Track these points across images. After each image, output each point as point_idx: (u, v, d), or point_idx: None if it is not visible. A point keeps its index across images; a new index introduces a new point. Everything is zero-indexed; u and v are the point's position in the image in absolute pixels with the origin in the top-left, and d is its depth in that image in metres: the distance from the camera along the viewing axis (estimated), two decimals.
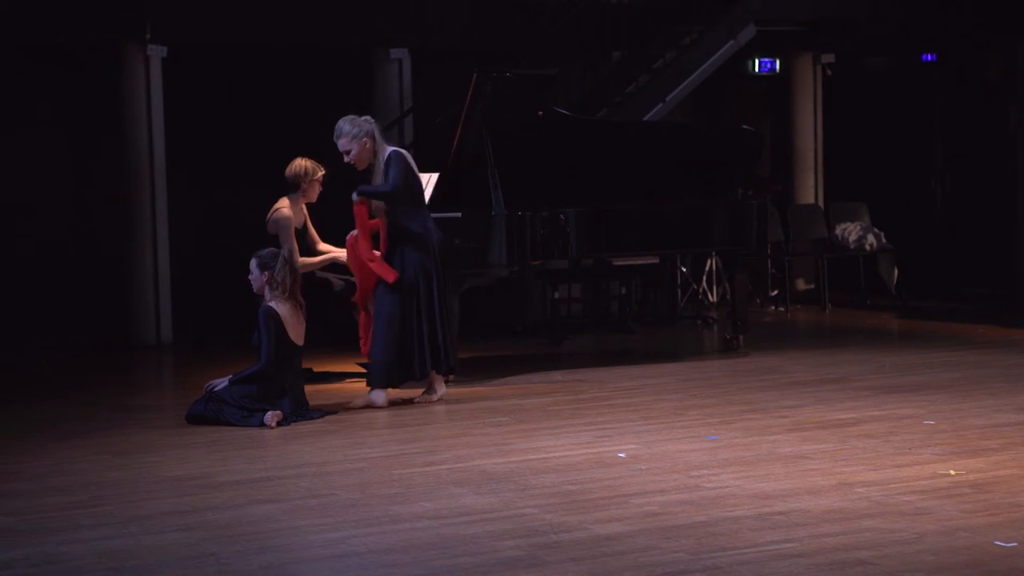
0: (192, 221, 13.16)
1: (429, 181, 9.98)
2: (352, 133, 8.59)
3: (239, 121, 13.70)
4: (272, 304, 8.28)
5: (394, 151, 8.64)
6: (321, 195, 9.46)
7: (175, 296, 12.27)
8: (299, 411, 8.28)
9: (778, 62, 15.13)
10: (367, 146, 8.60)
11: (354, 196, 8.54)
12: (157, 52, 12.04)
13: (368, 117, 8.74)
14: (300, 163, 9.49)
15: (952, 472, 6.49)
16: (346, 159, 8.65)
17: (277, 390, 8.23)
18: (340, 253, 9.22)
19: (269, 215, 9.43)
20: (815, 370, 9.86)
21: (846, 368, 9.93)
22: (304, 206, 9.46)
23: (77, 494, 6.48)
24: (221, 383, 8.27)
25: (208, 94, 13.58)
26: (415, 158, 12.67)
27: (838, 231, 14.00)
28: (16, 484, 6.72)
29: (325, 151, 10.01)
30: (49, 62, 12.92)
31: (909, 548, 5.24)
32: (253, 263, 8.38)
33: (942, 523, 5.58)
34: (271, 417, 8.07)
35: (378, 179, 8.57)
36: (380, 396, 8.59)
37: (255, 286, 8.38)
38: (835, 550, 5.23)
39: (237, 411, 8.12)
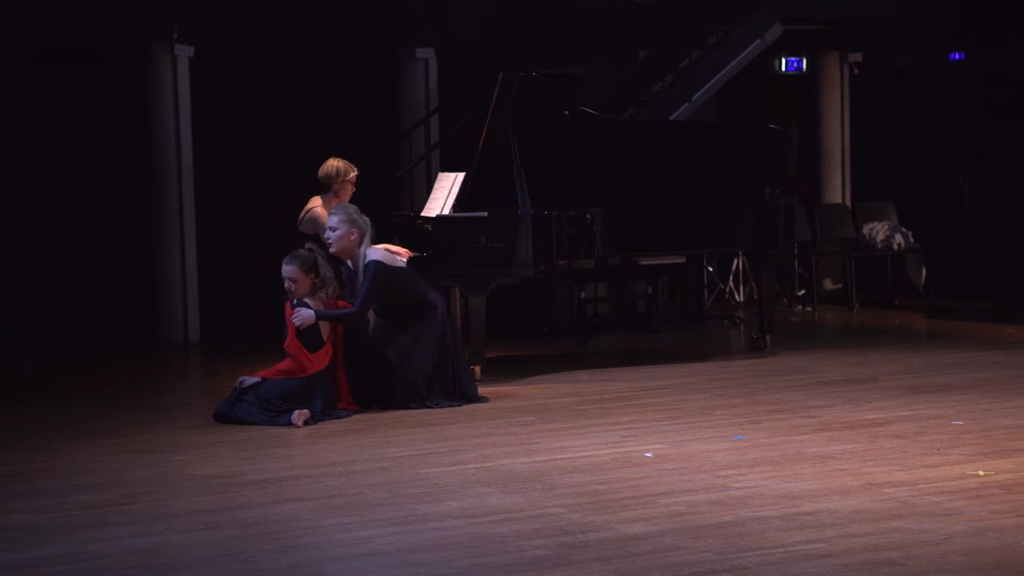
0: (219, 220, 13.20)
1: (455, 181, 9.99)
2: (351, 218, 8.52)
3: (266, 121, 13.73)
4: (308, 300, 8.30)
5: (372, 261, 8.46)
6: (353, 196, 9.48)
7: (202, 295, 12.32)
8: (328, 410, 8.30)
9: (805, 61, 15.08)
10: (353, 237, 8.52)
11: (303, 317, 8.25)
12: (184, 52, 12.08)
13: (367, 219, 8.63)
14: (333, 163, 9.52)
15: (981, 473, 6.46)
16: (327, 234, 8.60)
17: (310, 390, 8.24)
18: (393, 249, 9.29)
19: (303, 214, 9.47)
20: (843, 370, 9.83)
21: (874, 368, 9.90)
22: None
23: (106, 492, 6.51)
24: (252, 380, 8.28)
25: (235, 94, 13.61)
26: (441, 158, 12.81)
27: (865, 230, 13.95)
28: (45, 482, 6.76)
29: (352, 151, 10.04)
30: (78, 62, 12.98)
31: (938, 549, 5.22)
32: (292, 268, 8.32)
33: (971, 524, 5.55)
34: (298, 416, 8.09)
35: (358, 277, 8.48)
36: None
37: (297, 291, 8.34)
38: (863, 550, 5.22)
39: (264, 413, 8.14)
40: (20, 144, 13.13)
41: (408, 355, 8.51)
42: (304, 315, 8.25)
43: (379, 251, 8.53)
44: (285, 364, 8.30)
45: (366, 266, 8.48)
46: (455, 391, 8.64)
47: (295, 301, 8.30)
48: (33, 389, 9.94)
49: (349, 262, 8.64)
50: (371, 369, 8.53)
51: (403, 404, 8.49)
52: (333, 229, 8.54)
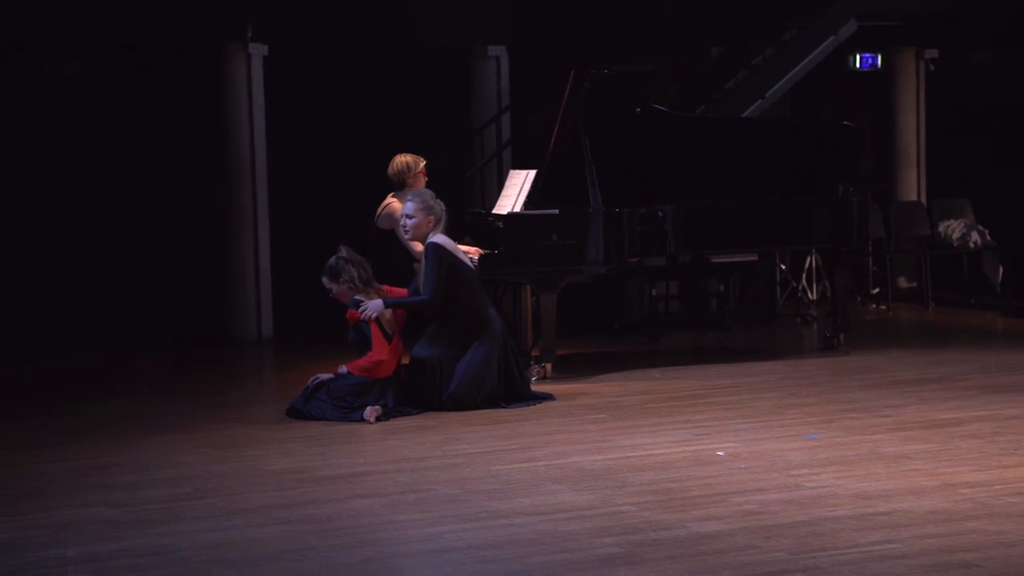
0: (293, 217, 13.29)
1: (527, 178, 9.99)
2: (424, 205, 8.46)
3: (339, 119, 13.81)
4: (361, 297, 8.33)
5: (431, 244, 8.38)
6: (428, 186, 9.50)
7: (276, 291, 12.41)
8: (400, 407, 8.33)
9: (880, 58, 14.93)
10: (429, 223, 8.46)
11: (371, 311, 8.24)
12: (258, 51, 12.17)
13: (443, 205, 8.58)
14: (401, 159, 9.57)
15: None
16: (404, 222, 8.57)
17: (382, 386, 8.27)
18: (465, 249, 9.32)
19: (379, 211, 9.52)
20: (918, 369, 9.72)
21: (950, 367, 9.78)
22: None
23: (180, 487, 6.57)
24: (326, 377, 8.32)
25: (308, 93, 13.70)
26: (513, 156, 12.81)
27: (941, 228, 13.79)
28: (120, 476, 6.83)
29: (424, 148, 10.07)
30: (155, 62, 13.11)
31: (1015, 550, 5.15)
32: (324, 280, 8.40)
33: None
34: (370, 412, 8.13)
35: (421, 263, 8.46)
36: None
37: (342, 297, 8.40)
38: (939, 551, 5.16)
39: (337, 409, 8.18)
40: (93, 142, 13.29)
41: (463, 383, 8.39)
42: (372, 306, 8.28)
43: (441, 236, 8.48)
44: (365, 360, 8.31)
45: (426, 247, 8.39)
46: (519, 397, 8.58)
47: (351, 302, 8.33)
48: (108, 384, 10.05)
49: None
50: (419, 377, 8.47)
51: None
52: (410, 217, 8.51)
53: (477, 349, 8.38)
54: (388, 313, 8.34)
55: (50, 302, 12.94)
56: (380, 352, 8.26)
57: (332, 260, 8.44)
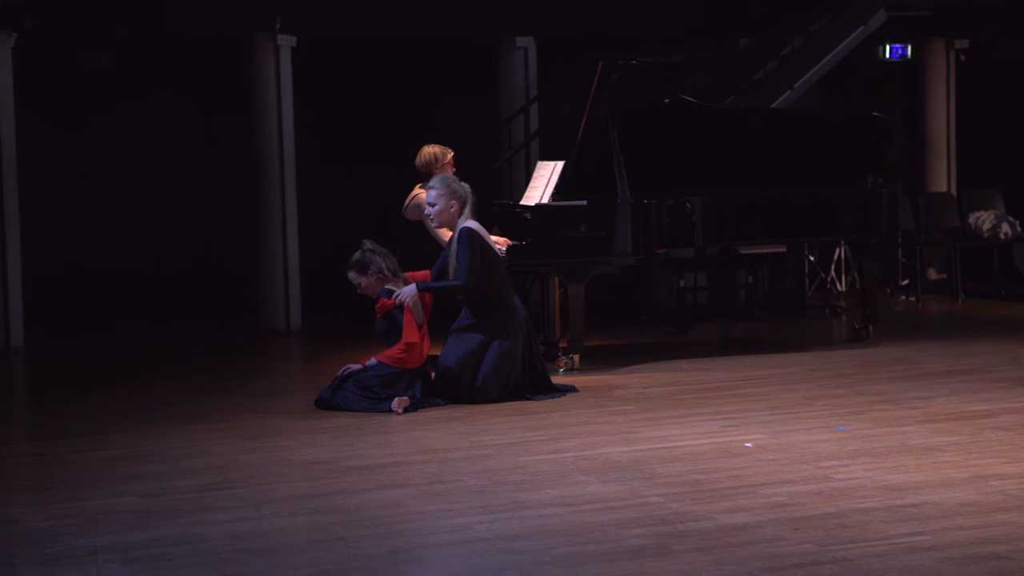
0: (321, 208, 13.31)
1: (555, 169, 9.99)
2: (446, 189, 8.42)
3: (366, 110, 13.83)
4: (392, 287, 8.34)
5: (464, 229, 8.34)
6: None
7: (304, 282, 12.44)
8: (428, 398, 8.34)
9: (910, 48, 14.86)
10: (452, 209, 8.42)
11: (405, 295, 8.26)
12: (287, 42, 12.20)
13: (467, 186, 8.55)
14: (429, 150, 9.56)
15: None
16: (428, 210, 8.56)
17: (410, 377, 8.28)
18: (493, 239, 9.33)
19: (408, 201, 9.52)
20: (947, 361, 9.68)
21: (980, 359, 9.73)
22: None
23: (210, 477, 6.60)
24: (355, 368, 8.33)
25: (337, 84, 13.72)
26: (541, 147, 12.81)
27: (971, 219, 13.72)
28: (151, 466, 6.87)
29: (452, 140, 10.07)
30: (184, 53, 13.16)
31: None
32: (352, 275, 8.39)
33: None
34: (398, 403, 8.14)
35: (451, 249, 8.38)
36: None
37: (371, 290, 8.41)
38: (969, 544, 5.14)
39: (364, 400, 8.20)
40: (123, 133, 13.34)
41: (490, 374, 8.37)
42: (406, 291, 8.29)
43: (475, 222, 8.46)
44: (397, 348, 8.31)
45: (459, 233, 8.35)
46: (544, 390, 8.57)
47: (382, 291, 8.34)
48: (137, 374, 10.10)
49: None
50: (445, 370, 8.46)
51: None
52: (432, 204, 8.49)
53: (501, 342, 8.37)
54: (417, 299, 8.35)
55: (76, 292, 13.00)
56: (412, 335, 8.26)
57: (358, 254, 8.44)
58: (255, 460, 6.98)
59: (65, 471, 6.82)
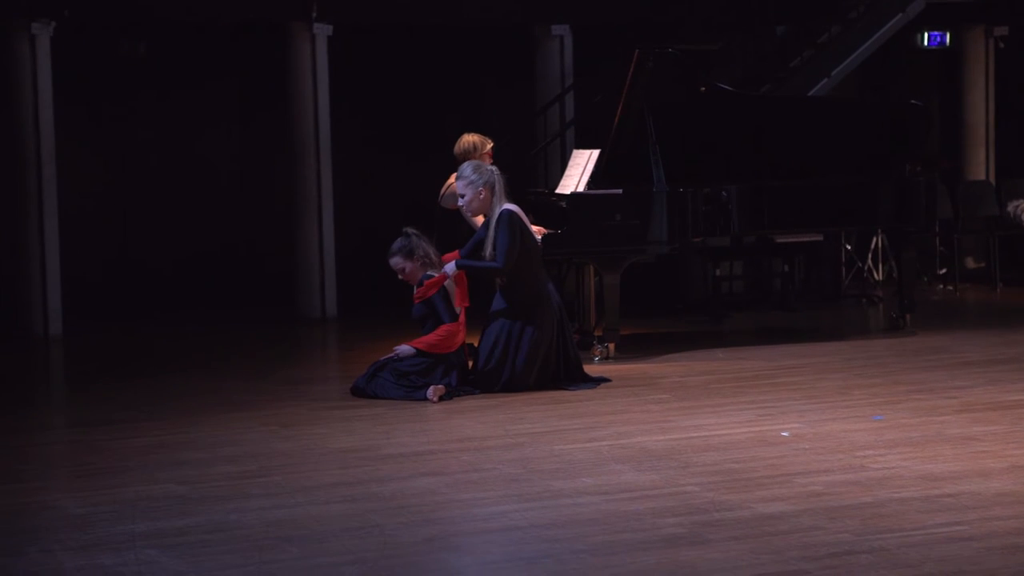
0: (357, 196, 13.34)
1: (590, 158, 9.97)
2: (471, 179, 8.39)
3: (402, 98, 13.84)
4: (431, 272, 8.34)
5: (505, 211, 8.32)
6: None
7: (340, 270, 12.47)
8: (463, 386, 8.35)
9: (948, 35, 14.75)
10: (482, 196, 8.39)
11: (449, 270, 8.33)
12: (323, 31, 12.22)
13: (494, 168, 8.54)
14: (468, 139, 9.54)
15: None
16: (459, 203, 8.57)
17: (446, 365, 8.29)
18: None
19: (444, 190, 9.52)
20: (985, 350, 9.62)
21: (1018, 348, 9.66)
22: None
23: (246, 464, 6.64)
24: (406, 350, 8.31)
25: (372, 72, 13.73)
26: (576, 135, 12.79)
27: (1010, 208, 13.59)
28: (188, 453, 6.91)
29: (487, 128, 10.07)
30: (221, 41, 13.19)
31: None
32: (396, 260, 8.37)
33: None
34: (433, 392, 8.16)
35: (489, 234, 8.34)
36: None
37: (412, 276, 8.40)
38: (1007, 534, 5.11)
39: (400, 388, 8.22)
40: (161, 121, 13.40)
41: (523, 365, 8.37)
42: (448, 267, 8.30)
43: (514, 205, 8.42)
44: (434, 336, 8.32)
45: (499, 216, 8.32)
46: (577, 379, 8.56)
47: (424, 276, 8.34)
48: (174, 362, 10.15)
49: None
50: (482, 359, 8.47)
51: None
52: (462, 195, 8.49)
53: (533, 331, 8.35)
54: (453, 286, 8.36)
55: (114, 279, 13.06)
56: (450, 322, 8.26)
57: (403, 240, 8.43)
58: (291, 448, 7.01)
59: (103, 458, 6.86)
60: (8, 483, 6.38)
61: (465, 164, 8.60)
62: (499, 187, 8.40)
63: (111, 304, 12.72)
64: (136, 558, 5.13)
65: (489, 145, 9.55)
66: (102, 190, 13.21)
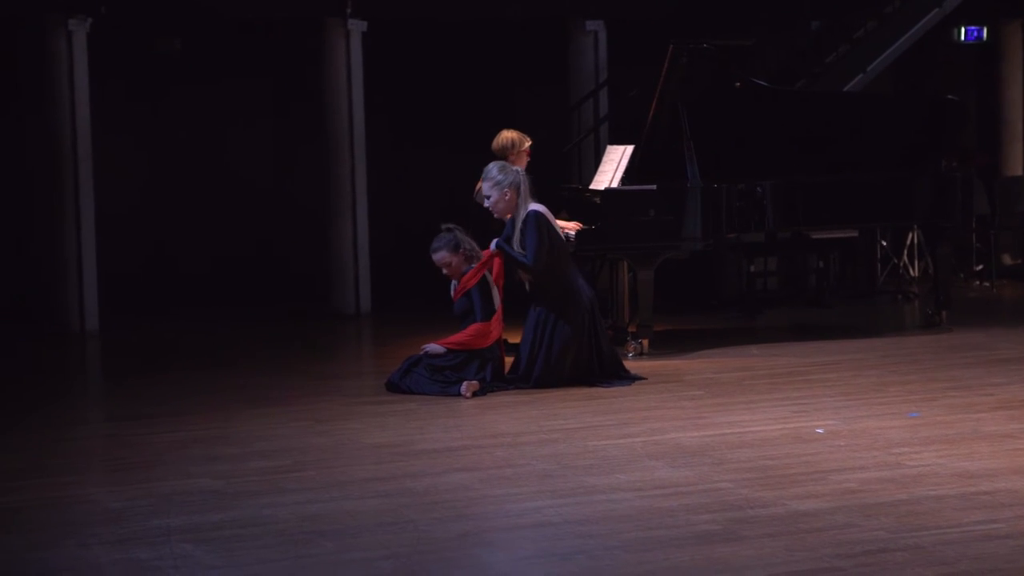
0: (390, 191, 13.36)
1: (624, 153, 9.95)
2: (496, 179, 8.40)
3: (436, 94, 13.85)
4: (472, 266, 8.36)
5: (532, 212, 8.35)
6: (528, 165, 9.48)
7: (374, 266, 12.49)
8: (496, 382, 8.35)
9: (985, 30, 14.65)
10: (507, 197, 8.39)
11: (492, 246, 8.41)
12: (357, 27, 12.24)
13: (519, 169, 8.55)
14: (507, 135, 9.51)
15: None
16: (486, 203, 8.55)
17: (481, 360, 8.29)
18: (562, 224, 9.34)
19: (478, 186, 9.51)
20: (1022, 347, 9.56)
21: None
22: None
23: (281, 459, 6.66)
24: (435, 348, 8.33)
25: (406, 68, 13.75)
26: (610, 131, 12.77)
27: None
28: (223, 448, 6.94)
29: (521, 124, 10.06)
30: (259, 37, 13.23)
31: None
32: (442, 254, 8.37)
33: None
34: (467, 387, 8.16)
35: (515, 234, 8.36)
36: None
37: (455, 271, 8.41)
38: None
39: (434, 383, 8.22)
40: (197, 117, 13.45)
41: (555, 357, 8.38)
42: (492, 246, 8.32)
43: (540, 206, 8.42)
44: (463, 335, 8.33)
45: (527, 216, 8.34)
46: (611, 376, 8.54)
47: (465, 270, 8.36)
48: (209, 357, 10.20)
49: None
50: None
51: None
52: (487, 197, 8.50)
53: (564, 326, 8.34)
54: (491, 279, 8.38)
55: (149, 276, 13.13)
56: (485, 319, 8.27)
57: (448, 235, 8.43)
58: (326, 443, 7.03)
59: (138, 453, 6.90)
60: (44, 477, 6.43)
61: (491, 165, 8.59)
62: (524, 188, 8.42)
63: (147, 299, 12.78)
64: (171, 552, 5.16)
65: (527, 143, 9.52)
66: (137, 186, 13.28)
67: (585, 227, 9.44)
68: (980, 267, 13.78)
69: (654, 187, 9.60)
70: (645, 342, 9.54)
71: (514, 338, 9.78)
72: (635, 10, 13.00)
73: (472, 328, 8.30)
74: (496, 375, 8.37)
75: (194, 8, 12.01)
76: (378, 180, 12.76)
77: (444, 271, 8.47)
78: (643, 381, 8.55)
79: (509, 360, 8.58)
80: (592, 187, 10.09)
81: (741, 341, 10.23)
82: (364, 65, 12.33)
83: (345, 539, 5.28)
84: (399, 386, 8.33)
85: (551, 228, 8.43)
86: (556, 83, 13.31)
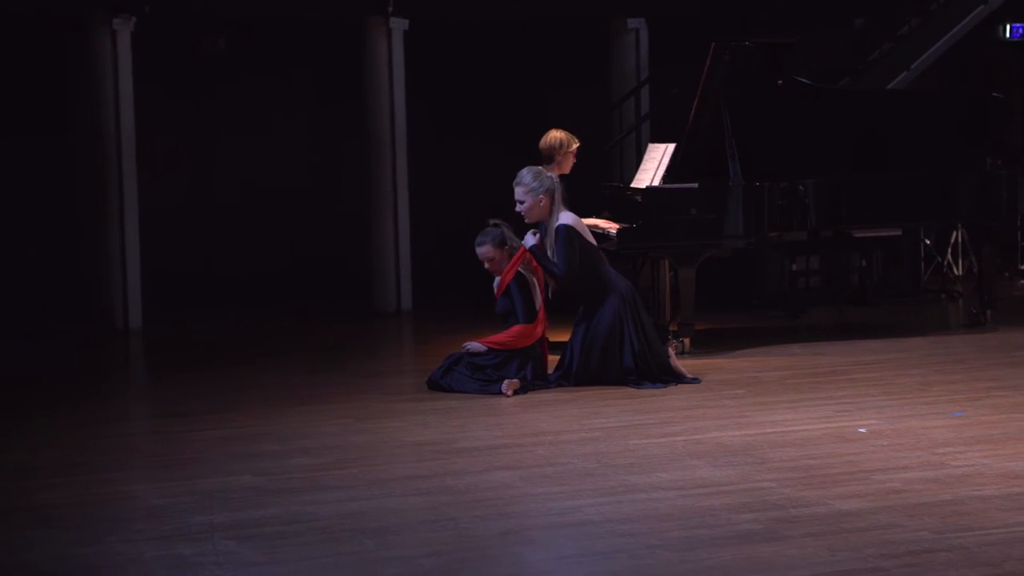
0: (431, 190, 13.38)
1: (666, 152, 9.93)
2: (531, 186, 8.38)
3: (478, 92, 13.86)
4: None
5: (562, 227, 8.32)
6: (574, 167, 9.47)
7: (415, 264, 12.51)
8: (538, 380, 8.35)
9: None
10: (542, 203, 8.37)
11: (527, 242, 8.39)
12: (399, 25, 12.26)
13: (553, 175, 8.54)
14: (555, 135, 9.49)
15: None
16: (518, 208, 8.51)
17: (522, 359, 8.29)
18: (602, 223, 9.32)
19: None
20: None
21: None
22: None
23: (323, 456, 6.68)
24: (476, 347, 8.34)
25: (449, 66, 13.76)
26: (652, 129, 12.74)
27: None
28: (265, 445, 6.96)
29: (563, 123, 10.05)
30: (302, 36, 13.28)
31: None
32: (487, 248, 8.38)
33: None
34: (507, 386, 8.16)
35: (548, 240, 8.35)
36: None
37: (497, 266, 8.41)
38: None
39: (475, 381, 8.23)
40: (240, 115, 13.51)
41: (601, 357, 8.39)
42: (526, 240, 8.33)
43: (570, 216, 8.42)
44: (505, 335, 8.32)
45: (556, 230, 8.34)
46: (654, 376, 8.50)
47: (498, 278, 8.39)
48: (250, 355, 10.23)
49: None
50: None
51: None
52: (521, 202, 8.46)
53: (601, 324, 8.33)
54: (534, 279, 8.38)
55: (191, 275, 13.20)
56: (527, 320, 8.27)
57: (495, 230, 8.44)
58: (367, 441, 7.05)
59: (181, 449, 6.94)
60: (88, 473, 6.48)
61: (524, 170, 8.53)
62: (558, 194, 8.40)
63: (189, 297, 12.85)
64: (214, 549, 5.18)
65: (575, 144, 9.48)
66: (181, 184, 13.35)
67: (626, 226, 9.42)
68: None
69: (696, 185, 9.58)
70: (687, 340, 9.52)
71: (556, 337, 9.77)
72: (677, 8, 12.96)
73: (515, 329, 8.30)
74: (537, 374, 8.37)
75: (237, 7, 12.06)
76: (419, 178, 12.78)
77: (486, 265, 8.47)
78: (695, 383, 8.44)
79: (553, 359, 8.57)
80: (633, 185, 10.06)
81: (783, 340, 10.18)
82: (406, 64, 12.35)
83: (386, 537, 5.29)
84: (440, 384, 8.34)
85: (582, 239, 8.43)
86: (597, 81, 13.28)
